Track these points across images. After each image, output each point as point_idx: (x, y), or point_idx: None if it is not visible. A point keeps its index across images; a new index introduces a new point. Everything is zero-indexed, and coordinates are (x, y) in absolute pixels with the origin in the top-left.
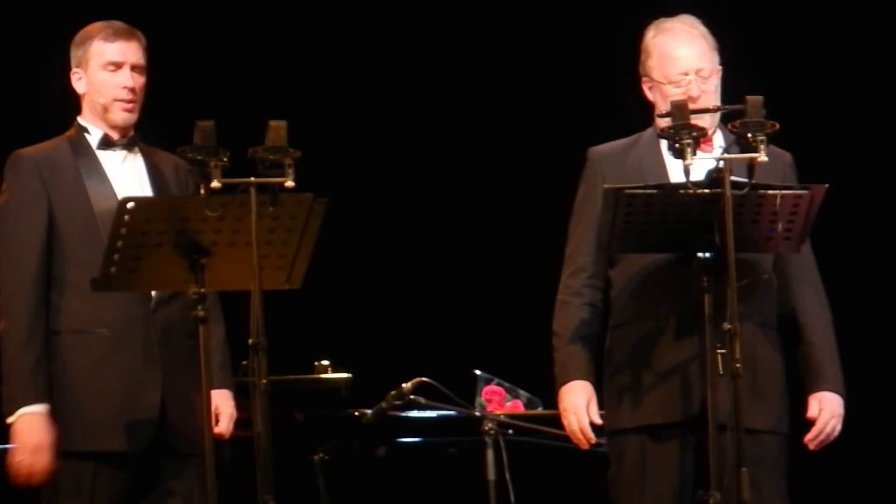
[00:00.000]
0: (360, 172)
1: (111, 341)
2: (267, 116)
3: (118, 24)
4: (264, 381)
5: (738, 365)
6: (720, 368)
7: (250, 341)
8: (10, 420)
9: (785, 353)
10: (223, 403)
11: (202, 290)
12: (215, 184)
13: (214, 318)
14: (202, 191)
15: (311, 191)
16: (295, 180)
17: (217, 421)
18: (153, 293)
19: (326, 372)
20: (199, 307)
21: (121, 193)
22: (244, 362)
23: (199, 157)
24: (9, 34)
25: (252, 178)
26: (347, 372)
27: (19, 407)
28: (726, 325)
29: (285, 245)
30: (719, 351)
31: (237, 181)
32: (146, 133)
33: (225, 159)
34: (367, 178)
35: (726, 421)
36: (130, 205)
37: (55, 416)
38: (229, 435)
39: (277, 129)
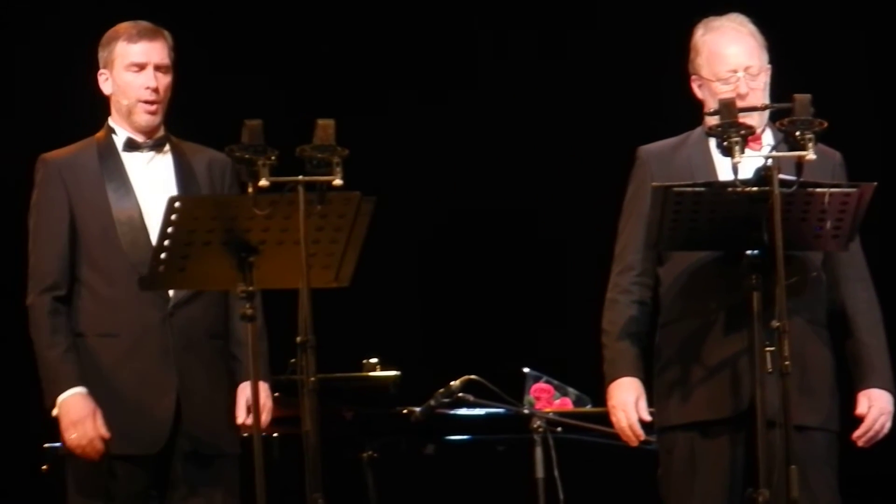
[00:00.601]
0: (410, 170)
1: (127, 345)
2: (318, 114)
3: (143, 23)
4: (312, 379)
5: (786, 362)
6: (769, 366)
7: (299, 339)
8: (54, 413)
9: (834, 351)
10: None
11: (250, 288)
12: (263, 182)
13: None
14: (250, 189)
15: (359, 189)
16: (343, 178)
17: (249, 412)
18: (171, 296)
19: (375, 370)
20: (248, 305)
21: (142, 197)
22: (293, 360)
23: (247, 156)
24: (46, 34)
25: (300, 177)
26: (395, 370)
27: (57, 396)
28: (775, 323)
29: (333, 243)
30: (768, 348)
31: (285, 180)
32: (176, 129)
33: (273, 158)
34: (416, 175)
35: (775, 418)
36: (178, 203)
37: None
38: (265, 426)
39: (325, 127)
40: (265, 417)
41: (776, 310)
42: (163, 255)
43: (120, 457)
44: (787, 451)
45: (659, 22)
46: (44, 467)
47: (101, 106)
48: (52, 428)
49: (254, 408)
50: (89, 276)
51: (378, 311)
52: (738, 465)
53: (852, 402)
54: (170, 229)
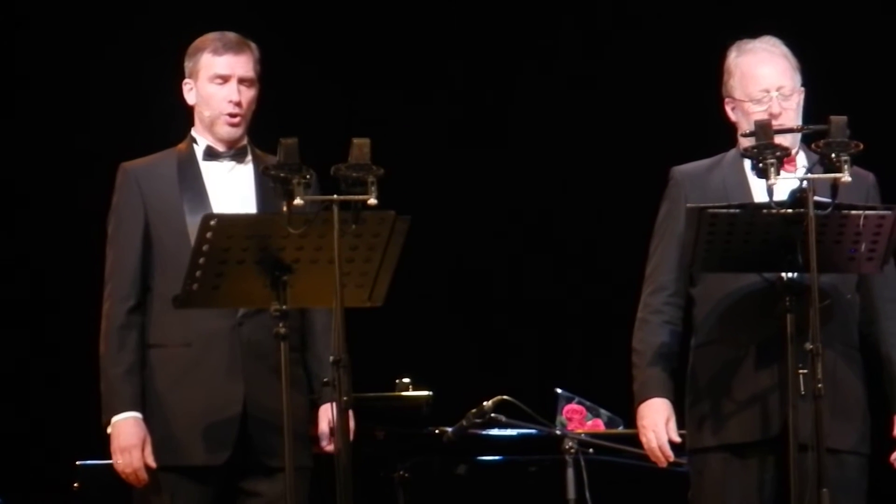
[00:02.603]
0: (446, 189)
1: (194, 355)
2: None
3: (230, 35)
4: (345, 398)
5: (819, 385)
6: (801, 388)
7: (332, 358)
8: (108, 431)
9: (867, 373)
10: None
11: (284, 307)
12: (298, 201)
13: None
14: (284, 208)
15: (394, 208)
16: (378, 198)
17: (332, 434)
18: None
19: (407, 389)
20: (281, 324)
21: (217, 207)
22: (325, 380)
23: (282, 175)
24: (130, 42)
25: (335, 196)
26: (428, 390)
27: (111, 416)
28: (808, 346)
29: (367, 263)
30: (801, 371)
31: (320, 198)
32: (259, 140)
33: (308, 177)
34: (451, 195)
35: (807, 441)
36: (213, 222)
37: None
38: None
39: (361, 146)
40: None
41: (810, 332)
42: (197, 274)
43: (186, 469)
44: (819, 473)
45: (694, 44)
46: (75, 485)
47: (185, 116)
48: (86, 445)
49: (286, 422)
50: (162, 286)
51: (411, 330)
52: (767, 488)
53: (886, 426)
54: (204, 247)
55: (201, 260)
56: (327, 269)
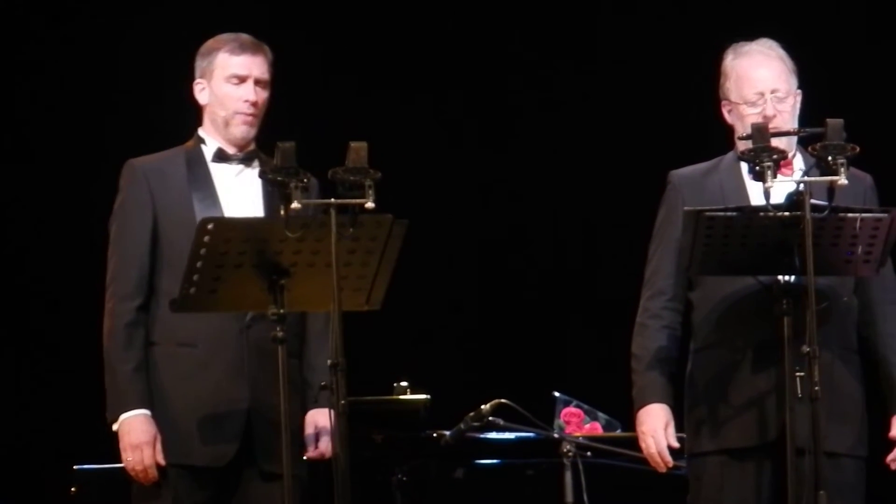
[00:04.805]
0: (443, 192)
1: (201, 356)
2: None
3: (245, 36)
4: (343, 402)
5: (816, 388)
6: (799, 391)
7: (329, 362)
8: (114, 427)
9: (865, 376)
10: (324, 422)
11: (281, 310)
12: (295, 205)
13: (324, 337)
14: (282, 212)
15: (392, 212)
16: (375, 201)
17: (318, 440)
18: None
19: (405, 393)
20: (279, 328)
21: (227, 208)
22: (323, 383)
23: (280, 178)
24: (138, 42)
25: (332, 200)
26: (426, 393)
27: (120, 413)
28: (805, 349)
29: (365, 266)
30: (798, 374)
31: (317, 202)
32: (264, 145)
33: (305, 181)
34: (448, 198)
35: (805, 444)
36: (210, 225)
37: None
38: (329, 455)
39: (358, 150)
40: (329, 446)
41: (807, 335)
42: (194, 277)
43: (186, 467)
44: (816, 476)
45: (693, 46)
46: (73, 489)
47: (190, 115)
48: (83, 449)
49: (284, 426)
50: (169, 285)
51: (409, 334)
52: (765, 492)
53: (883, 428)
54: (202, 251)
55: (199, 264)
56: (325, 272)
